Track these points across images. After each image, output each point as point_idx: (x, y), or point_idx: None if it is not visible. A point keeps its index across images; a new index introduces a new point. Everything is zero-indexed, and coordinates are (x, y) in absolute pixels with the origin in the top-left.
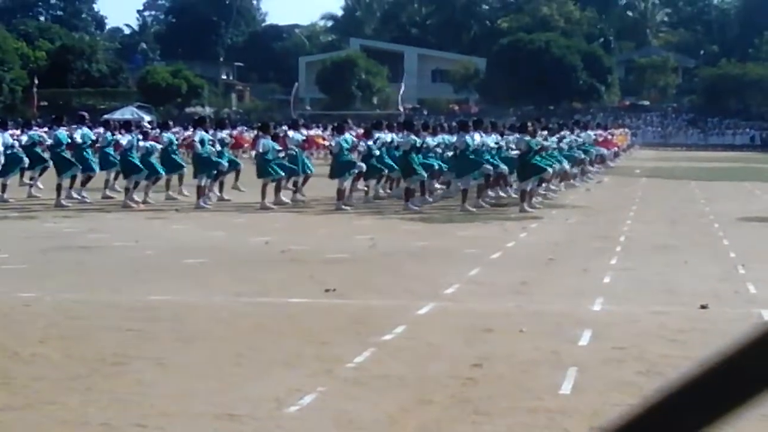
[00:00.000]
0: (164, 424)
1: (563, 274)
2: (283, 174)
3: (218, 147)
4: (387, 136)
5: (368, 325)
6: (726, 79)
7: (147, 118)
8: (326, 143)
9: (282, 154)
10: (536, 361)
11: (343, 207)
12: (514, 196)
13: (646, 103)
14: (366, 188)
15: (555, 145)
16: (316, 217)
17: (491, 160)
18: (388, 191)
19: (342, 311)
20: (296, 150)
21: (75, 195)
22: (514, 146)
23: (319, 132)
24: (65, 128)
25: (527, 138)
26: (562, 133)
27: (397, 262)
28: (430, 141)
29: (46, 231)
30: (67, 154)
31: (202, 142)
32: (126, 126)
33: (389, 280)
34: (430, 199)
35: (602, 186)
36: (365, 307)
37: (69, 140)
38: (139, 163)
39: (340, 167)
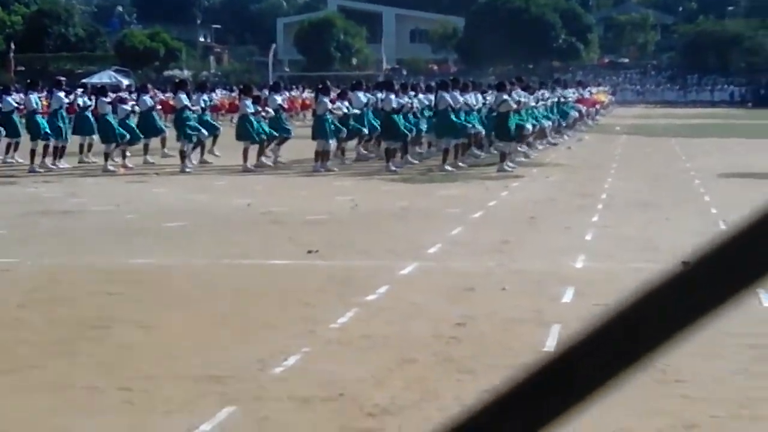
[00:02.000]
0: (149, 387)
1: (545, 233)
2: (264, 137)
3: (199, 110)
4: (364, 97)
5: (351, 285)
6: (705, 35)
7: (125, 82)
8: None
9: (263, 116)
10: (519, 319)
11: (320, 169)
12: (494, 152)
13: (626, 60)
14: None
15: (533, 103)
16: (297, 179)
17: (470, 119)
18: (370, 152)
19: (324, 272)
20: (278, 112)
21: (50, 165)
22: (493, 105)
23: (298, 94)
24: (40, 93)
25: (504, 96)
26: (541, 91)
27: (378, 223)
28: (413, 101)
29: (25, 196)
30: (42, 121)
31: (183, 106)
32: (101, 90)
33: (371, 241)
34: (414, 161)
35: (583, 144)
36: (347, 267)
37: (41, 105)
38: (117, 128)
39: (322, 128)
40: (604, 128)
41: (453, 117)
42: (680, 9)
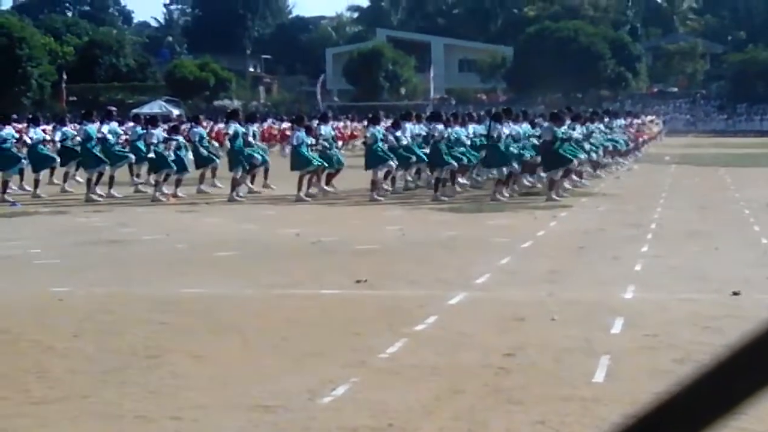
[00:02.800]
0: (199, 416)
1: (594, 262)
2: (318, 164)
3: (251, 139)
4: (415, 127)
5: (400, 315)
6: (754, 64)
7: (175, 111)
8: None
9: (318, 148)
10: (569, 349)
11: (377, 197)
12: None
13: (674, 90)
14: (390, 184)
15: (582, 136)
16: (346, 209)
17: (521, 151)
18: (417, 182)
19: (374, 302)
20: (329, 143)
21: (102, 193)
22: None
23: (347, 124)
24: (94, 123)
25: (554, 128)
26: (592, 127)
27: (427, 252)
28: (460, 132)
29: (77, 225)
30: (96, 150)
31: (236, 135)
32: (152, 121)
33: (420, 270)
34: (459, 189)
35: (632, 174)
36: (396, 297)
37: (98, 135)
38: (167, 160)
39: (374, 158)
40: (654, 158)
41: (502, 148)
42: (729, 38)
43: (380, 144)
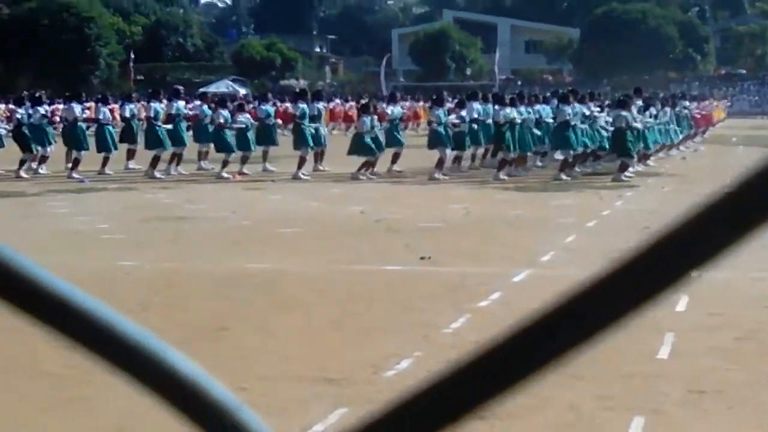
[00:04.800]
0: (266, 388)
1: None
2: (378, 152)
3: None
4: (481, 107)
5: (464, 292)
6: None
7: (242, 91)
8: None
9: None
10: (634, 326)
11: (436, 176)
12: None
13: (743, 72)
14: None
15: (651, 124)
16: (410, 188)
17: (586, 136)
18: (483, 163)
19: (437, 278)
20: (395, 124)
21: (172, 171)
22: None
23: (412, 104)
24: (161, 102)
25: (624, 113)
26: (661, 112)
27: (491, 230)
28: (525, 113)
29: (145, 202)
30: (162, 131)
31: (303, 114)
32: (221, 102)
33: (484, 248)
34: (525, 173)
35: (698, 154)
36: (460, 274)
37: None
38: (229, 141)
39: (437, 138)
40: (720, 139)
41: (568, 132)
42: None
43: (443, 127)
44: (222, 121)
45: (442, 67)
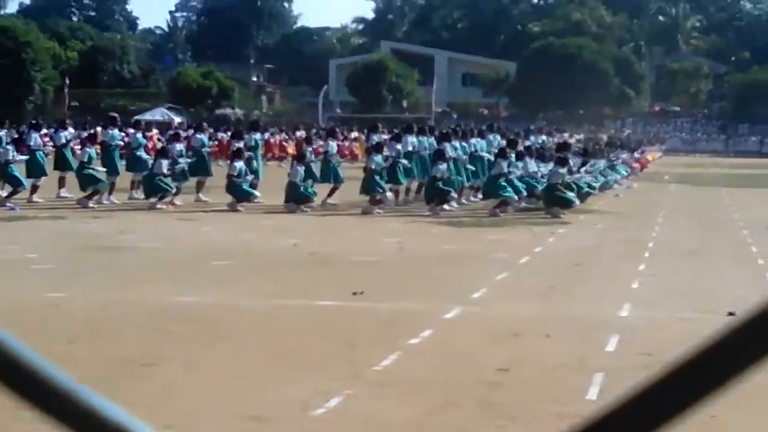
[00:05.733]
0: (191, 427)
1: (591, 279)
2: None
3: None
4: (416, 140)
5: (395, 328)
6: (757, 85)
7: (177, 119)
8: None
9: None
10: (563, 365)
11: (376, 211)
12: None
13: (677, 108)
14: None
15: (587, 178)
16: (344, 220)
17: (519, 186)
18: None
19: (370, 314)
20: (333, 160)
21: (104, 201)
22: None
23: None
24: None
25: (562, 171)
26: (592, 162)
27: (425, 266)
28: (459, 152)
29: (75, 231)
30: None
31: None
32: (162, 153)
33: (417, 284)
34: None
35: (631, 192)
36: (393, 310)
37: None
38: (166, 186)
39: (371, 185)
40: (653, 177)
41: (502, 182)
42: (733, 58)
43: (378, 176)
44: (176, 154)
45: (378, 99)
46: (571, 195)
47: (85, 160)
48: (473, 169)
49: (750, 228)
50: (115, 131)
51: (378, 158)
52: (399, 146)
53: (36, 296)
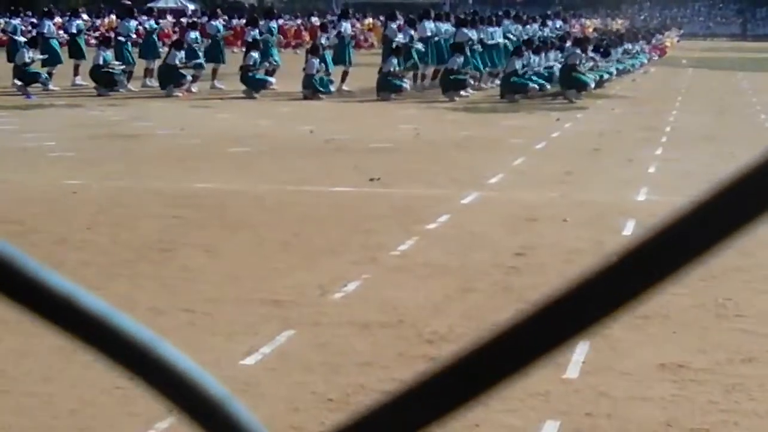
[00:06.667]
0: (211, 309)
1: (608, 165)
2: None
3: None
4: (434, 26)
5: (412, 213)
6: None
7: (191, 6)
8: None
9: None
10: (580, 250)
11: (392, 96)
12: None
13: None
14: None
15: (603, 63)
16: (361, 106)
17: (535, 79)
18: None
19: (386, 200)
20: (346, 41)
21: (121, 89)
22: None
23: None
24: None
25: (578, 51)
26: (613, 51)
27: (441, 152)
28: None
29: (92, 119)
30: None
31: (254, 64)
32: (176, 44)
33: (433, 170)
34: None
35: (648, 76)
36: (409, 195)
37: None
38: (181, 74)
39: (386, 84)
40: (670, 61)
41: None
42: None
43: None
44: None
45: None
46: (587, 77)
47: (100, 62)
48: (489, 57)
49: (767, 112)
50: (131, 23)
51: (394, 61)
52: (412, 32)
53: (54, 183)
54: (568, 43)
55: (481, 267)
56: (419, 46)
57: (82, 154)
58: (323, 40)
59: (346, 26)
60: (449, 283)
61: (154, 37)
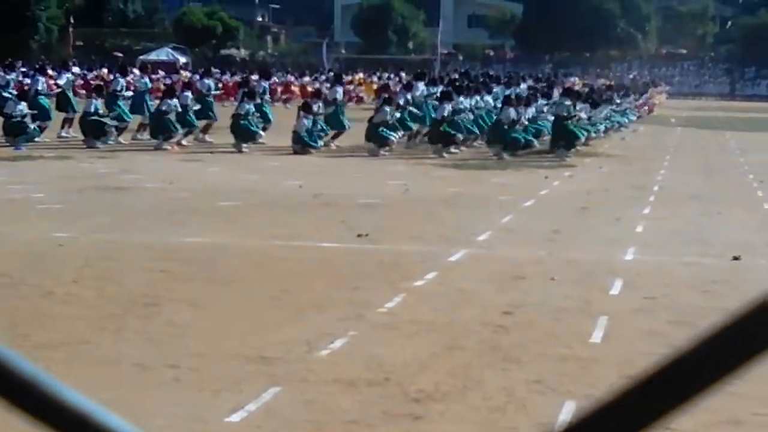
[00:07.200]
0: (197, 365)
1: (596, 223)
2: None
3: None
4: (425, 89)
5: (400, 270)
6: (764, 28)
7: (182, 59)
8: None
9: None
10: (567, 309)
11: (382, 152)
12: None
13: (683, 51)
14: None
15: (592, 113)
16: (349, 162)
17: (523, 135)
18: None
19: (374, 256)
20: (338, 104)
21: (110, 141)
22: (553, 110)
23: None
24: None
25: (568, 103)
26: (601, 108)
27: (429, 208)
28: (465, 103)
29: (81, 171)
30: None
31: (246, 113)
32: (170, 92)
33: (421, 226)
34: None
35: (637, 135)
36: (397, 252)
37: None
38: (172, 125)
39: (376, 133)
40: (659, 119)
41: (506, 128)
42: (740, 1)
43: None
44: (172, 108)
45: (384, 40)
46: (579, 130)
47: (91, 110)
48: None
49: (755, 172)
50: (122, 80)
51: (388, 109)
52: (409, 95)
53: (41, 236)
54: (556, 92)
55: (468, 325)
56: (413, 109)
57: (71, 207)
58: (315, 108)
59: (340, 91)
60: (436, 340)
61: (147, 95)
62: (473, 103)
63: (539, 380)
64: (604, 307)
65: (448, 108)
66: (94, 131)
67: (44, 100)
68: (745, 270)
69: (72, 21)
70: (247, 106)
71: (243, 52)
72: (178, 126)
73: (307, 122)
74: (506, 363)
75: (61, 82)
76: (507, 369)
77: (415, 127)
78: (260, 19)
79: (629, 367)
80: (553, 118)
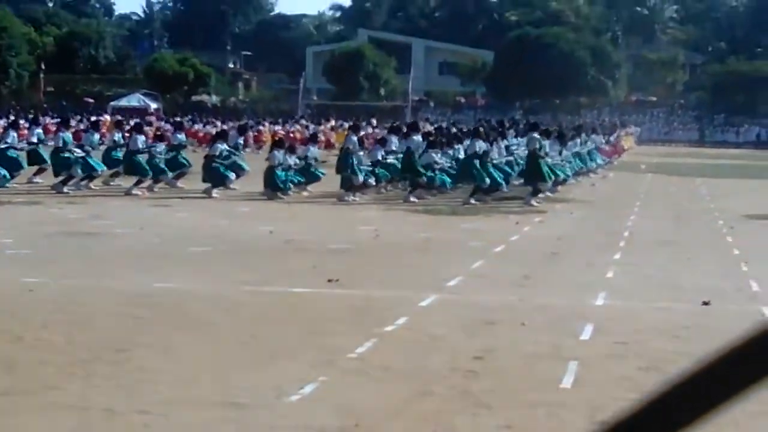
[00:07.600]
0: (167, 411)
1: (566, 269)
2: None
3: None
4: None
5: (370, 315)
6: (734, 76)
7: (153, 105)
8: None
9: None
10: (538, 354)
11: (351, 198)
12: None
13: (653, 99)
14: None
15: (559, 157)
16: (320, 207)
17: (494, 172)
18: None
19: (344, 301)
20: (312, 166)
21: (80, 187)
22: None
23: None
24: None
25: (537, 136)
26: (573, 142)
27: (400, 254)
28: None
29: (50, 217)
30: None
31: (220, 154)
32: (138, 127)
33: (392, 272)
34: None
35: (607, 181)
36: (368, 297)
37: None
38: (144, 166)
39: (346, 164)
40: (629, 166)
41: (477, 166)
42: (710, 48)
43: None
44: (139, 146)
45: (356, 87)
46: (548, 173)
47: (60, 145)
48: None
49: (725, 218)
50: (95, 136)
51: (277, 153)
52: (382, 151)
53: (10, 281)
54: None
55: (439, 370)
56: (391, 159)
57: (40, 252)
58: (291, 162)
59: (314, 150)
60: (407, 386)
61: (118, 151)
62: (452, 153)
63: (510, 426)
64: (575, 353)
65: (435, 156)
66: (61, 165)
67: (13, 153)
68: (715, 315)
69: (43, 67)
70: (221, 147)
71: (214, 98)
72: (149, 169)
73: (279, 155)
74: (477, 408)
75: (33, 139)
76: (477, 414)
77: (388, 176)
78: (232, 65)
79: (599, 413)
80: (525, 153)
